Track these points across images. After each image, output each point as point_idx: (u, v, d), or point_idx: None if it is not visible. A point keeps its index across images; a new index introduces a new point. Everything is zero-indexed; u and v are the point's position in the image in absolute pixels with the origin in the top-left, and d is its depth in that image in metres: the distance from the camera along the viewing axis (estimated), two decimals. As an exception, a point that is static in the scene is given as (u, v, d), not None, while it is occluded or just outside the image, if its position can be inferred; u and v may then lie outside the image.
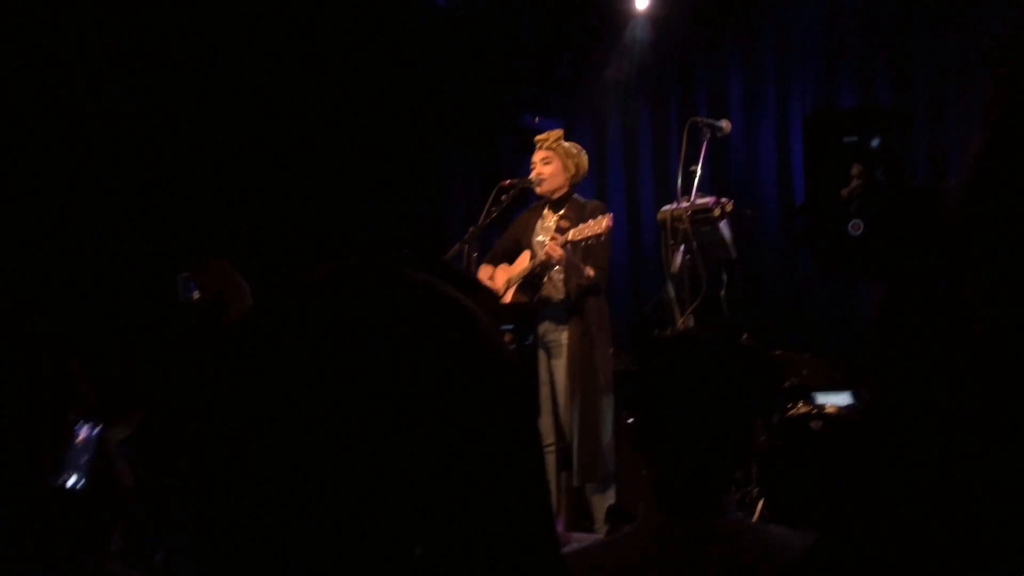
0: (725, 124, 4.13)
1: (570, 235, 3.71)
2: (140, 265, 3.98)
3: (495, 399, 0.59)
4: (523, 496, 0.59)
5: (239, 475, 0.55)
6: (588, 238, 3.65)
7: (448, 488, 0.54)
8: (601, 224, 3.62)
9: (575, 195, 4.04)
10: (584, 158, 4.03)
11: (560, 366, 3.89)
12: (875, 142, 0.90)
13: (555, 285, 3.92)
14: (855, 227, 0.88)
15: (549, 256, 3.73)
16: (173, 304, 2.08)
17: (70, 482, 1.37)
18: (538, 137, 4.06)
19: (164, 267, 2.32)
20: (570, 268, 3.78)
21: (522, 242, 4.11)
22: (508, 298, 4.01)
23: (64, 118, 4.07)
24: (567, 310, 3.88)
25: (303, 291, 0.61)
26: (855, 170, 0.90)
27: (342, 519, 0.53)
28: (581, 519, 3.95)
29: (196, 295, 2.02)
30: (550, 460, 3.94)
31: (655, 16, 5.60)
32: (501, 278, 4.11)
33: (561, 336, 3.89)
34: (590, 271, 3.77)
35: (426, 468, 0.54)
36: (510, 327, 3.63)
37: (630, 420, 3.98)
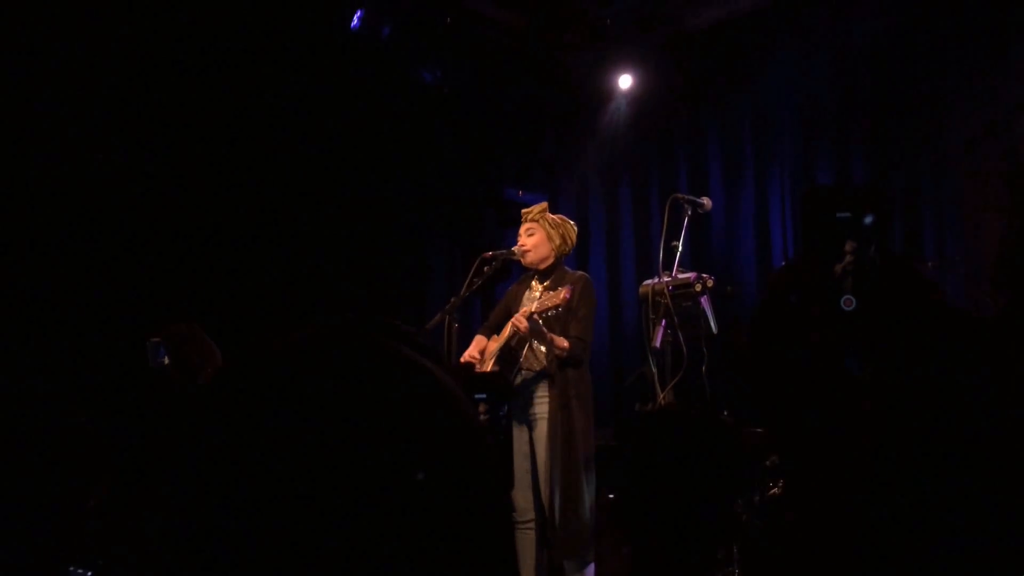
0: (706, 201, 4.18)
1: (534, 307, 3.72)
2: (110, 330, 3.91)
3: (465, 467, 0.57)
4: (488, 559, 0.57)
5: (203, 536, 0.53)
6: (548, 309, 3.67)
7: (410, 550, 0.53)
8: (559, 295, 3.65)
9: (563, 266, 4.05)
10: (571, 229, 4.06)
11: (539, 439, 3.84)
12: (869, 219, 0.90)
13: (536, 356, 3.90)
14: (847, 303, 0.87)
15: (516, 328, 3.73)
16: (143, 369, 2.03)
17: None
18: (524, 210, 4.09)
19: (134, 332, 2.27)
20: (540, 340, 3.77)
21: (511, 313, 4.11)
22: (488, 368, 3.98)
23: (32, 183, 4.05)
24: (548, 381, 3.85)
25: (273, 354, 0.60)
26: (849, 246, 0.89)
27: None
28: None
29: (166, 360, 1.97)
30: (529, 536, 3.85)
31: (637, 95, 5.74)
32: (493, 349, 4.09)
33: (543, 408, 3.85)
34: (563, 342, 3.75)
35: (390, 534, 0.52)
36: (483, 396, 3.58)
37: (611, 496, 3.90)
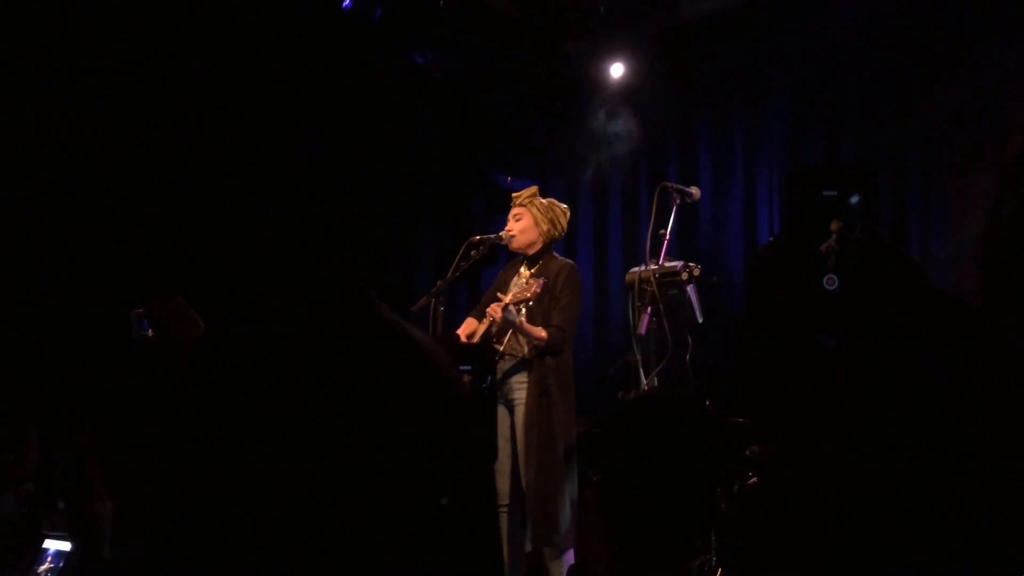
0: (695, 191, 4.19)
1: (507, 298, 3.73)
2: (93, 301, 3.88)
3: (451, 437, 0.57)
4: (470, 527, 0.57)
5: (188, 503, 0.52)
6: (520, 302, 3.71)
7: (399, 518, 0.52)
8: (530, 288, 3.68)
9: (552, 252, 4.05)
10: (560, 213, 4.04)
11: (520, 424, 3.85)
12: (855, 199, 0.91)
13: (519, 342, 3.91)
14: (830, 282, 0.87)
15: (491, 317, 3.75)
16: (126, 341, 2.02)
17: None
18: (514, 194, 4.09)
19: (118, 303, 2.26)
20: (516, 330, 3.78)
21: (500, 298, 4.12)
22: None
23: (14, 157, 4.01)
24: (526, 369, 3.86)
25: (262, 318, 0.58)
26: (834, 225, 0.90)
27: (289, 553, 0.50)
28: (539, 583, 3.86)
29: (150, 332, 1.96)
30: (505, 520, 3.86)
31: (629, 84, 5.73)
32: (479, 332, 4.11)
33: (521, 395, 3.86)
34: (540, 332, 3.76)
35: (374, 504, 0.52)
36: (468, 368, 3.58)
37: (595, 479, 3.91)
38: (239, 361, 0.57)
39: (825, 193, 0.97)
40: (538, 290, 3.68)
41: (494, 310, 3.72)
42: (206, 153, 4.66)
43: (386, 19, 5.14)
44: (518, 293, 3.74)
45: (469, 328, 4.12)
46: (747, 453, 3.55)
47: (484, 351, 3.79)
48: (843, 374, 0.91)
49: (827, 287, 0.93)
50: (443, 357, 0.63)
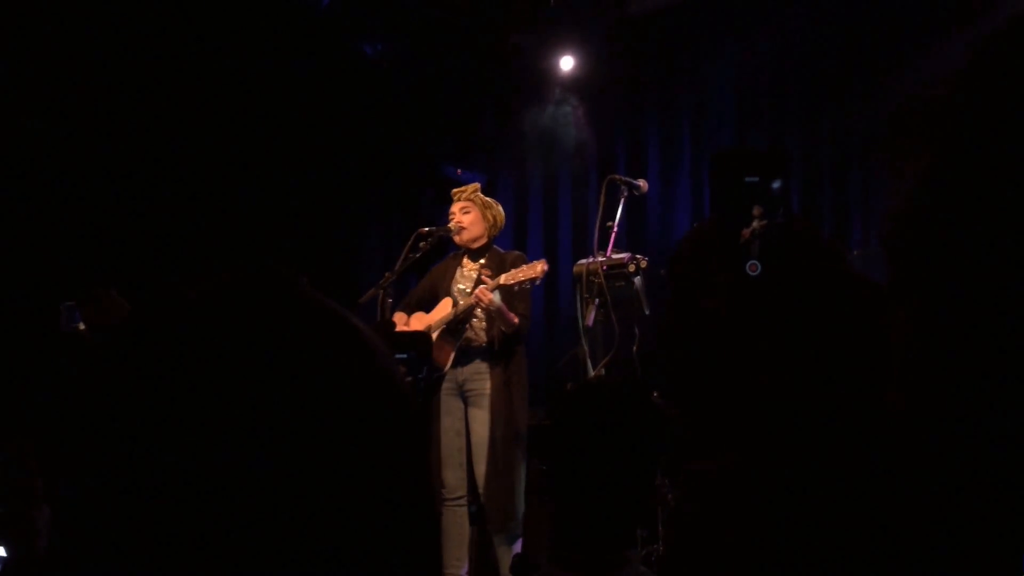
0: (643, 184, 4.21)
1: (502, 279, 3.70)
2: (22, 293, 3.77)
3: (386, 427, 0.55)
4: (406, 523, 0.55)
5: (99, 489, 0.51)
6: (522, 282, 3.65)
7: (324, 513, 0.50)
8: (536, 268, 3.64)
9: (494, 246, 4.06)
10: (500, 211, 4.09)
11: (479, 416, 3.84)
12: (776, 183, 0.91)
13: (476, 332, 3.90)
14: (752, 268, 0.88)
15: (479, 300, 3.71)
16: (55, 333, 1.97)
17: None
18: (455, 190, 4.09)
19: (47, 296, 2.19)
20: (497, 314, 3.76)
21: (439, 291, 4.09)
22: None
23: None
24: (490, 358, 3.85)
25: (184, 301, 0.57)
26: (756, 210, 0.90)
27: (217, 543, 0.49)
28: (487, 571, 3.87)
29: (81, 325, 1.91)
30: (461, 513, 3.86)
31: (578, 77, 5.75)
32: (416, 325, 4.07)
33: (483, 385, 3.85)
34: (515, 318, 3.77)
35: (303, 497, 0.50)
36: (404, 356, 3.55)
37: (542, 468, 3.93)
38: (154, 346, 0.55)
39: (747, 179, 0.98)
40: (545, 267, 3.61)
41: (483, 294, 3.67)
42: (141, 141, 4.56)
43: (334, 8, 5.08)
44: (517, 274, 3.66)
45: (401, 322, 4.09)
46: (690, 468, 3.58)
47: (420, 340, 3.77)
48: (766, 373, 0.92)
49: (750, 273, 0.94)
50: (378, 342, 0.61)
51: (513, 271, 3.69)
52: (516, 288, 3.68)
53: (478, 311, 3.83)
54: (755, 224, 0.94)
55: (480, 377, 3.87)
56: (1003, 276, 0.55)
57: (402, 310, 4.16)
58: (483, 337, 3.88)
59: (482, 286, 3.72)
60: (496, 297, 3.69)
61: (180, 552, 0.50)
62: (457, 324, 3.92)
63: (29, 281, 3.87)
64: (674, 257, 1.00)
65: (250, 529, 0.50)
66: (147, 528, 0.50)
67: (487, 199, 4.07)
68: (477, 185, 4.12)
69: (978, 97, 0.60)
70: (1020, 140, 0.57)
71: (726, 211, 0.98)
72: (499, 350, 3.82)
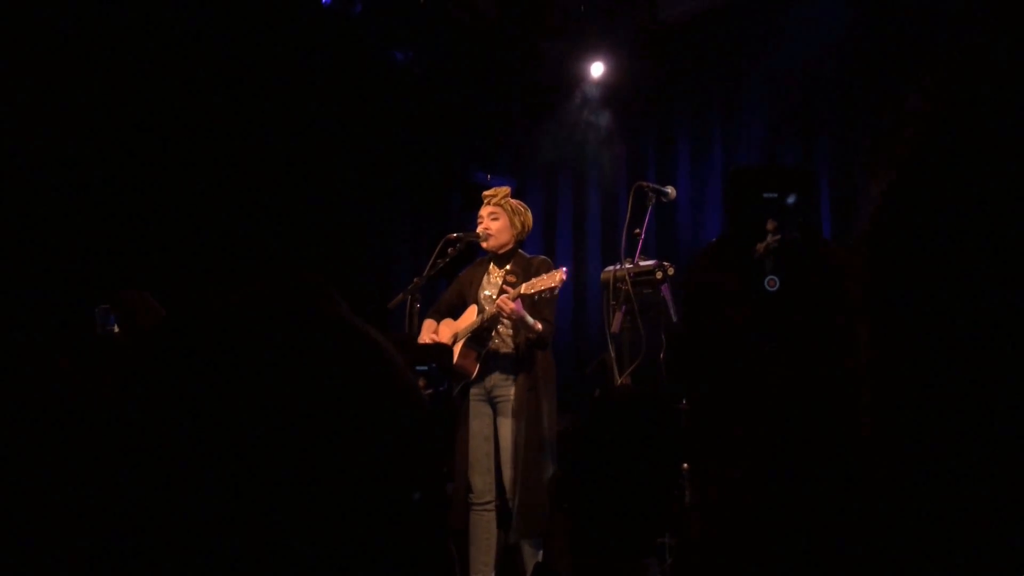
0: (671, 190, 4.20)
1: (523, 288, 3.70)
2: (59, 297, 3.85)
3: (402, 438, 0.56)
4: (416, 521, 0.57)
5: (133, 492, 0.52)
6: (542, 291, 3.64)
7: (339, 520, 0.52)
8: (555, 277, 3.62)
9: (520, 251, 4.06)
10: (529, 216, 4.08)
11: (506, 423, 3.84)
12: (791, 199, 0.92)
13: (503, 339, 3.91)
14: (771, 283, 0.88)
15: (500, 309, 3.71)
16: (90, 336, 2.01)
17: None
18: (485, 193, 4.09)
19: (83, 299, 2.25)
20: (520, 322, 3.76)
21: (467, 297, 4.10)
22: (456, 349, 3.99)
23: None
24: (515, 364, 3.86)
25: (214, 311, 0.58)
26: (770, 225, 0.91)
27: (233, 544, 0.50)
28: (512, 576, 3.87)
29: (115, 327, 1.95)
30: (488, 517, 3.87)
31: (608, 83, 5.75)
32: (445, 332, 4.08)
33: (509, 391, 3.85)
34: (539, 325, 3.76)
35: (319, 505, 0.51)
36: (424, 368, 3.57)
37: (559, 475, 3.93)
38: (187, 352, 0.57)
39: (765, 195, 0.98)
40: (563, 277, 3.60)
41: (505, 302, 3.67)
42: (176, 148, 4.63)
43: (365, 16, 5.13)
44: (535, 282, 3.67)
45: (429, 329, 4.10)
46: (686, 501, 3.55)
47: (440, 352, 3.78)
48: (779, 385, 0.92)
49: (768, 288, 0.95)
50: (396, 356, 0.62)
51: (533, 280, 3.69)
52: (536, 297, 3.68)
53: (503, 318, 3.84)
54: (769, 239, 0.94)
55: (506, 383, 3.87)
56: (954, 292, 0.55)
57: (431, 316, 4.18)
58: (509, 344, 3.88)
59: (504, 295, 3.73)
60: (518, 306, 3.69)
61: (204, 543, 0.52)
62: (483, 332, 3.92)
63: (65, 285, 3.95)
64: (689, 270, 1.01)
65: (272, 530, 0.51)
66: (175, 524, 0.52)
67: (517, 204, 4.06)
68: (507, 189, 4.11)
69: (937, 115, 0.61)
70: (978, 157, 0.57)
71: (740, 226, 0.99)
72: (524, 356, 3.82)
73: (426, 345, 3.88)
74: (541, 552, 3.79)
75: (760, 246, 0.93)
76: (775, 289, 0.96)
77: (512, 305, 3.67)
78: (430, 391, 3.54)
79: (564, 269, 3.66)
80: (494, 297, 3.89)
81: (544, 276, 3.67)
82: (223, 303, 0.61)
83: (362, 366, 0.58)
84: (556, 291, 3.63)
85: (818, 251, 0.96)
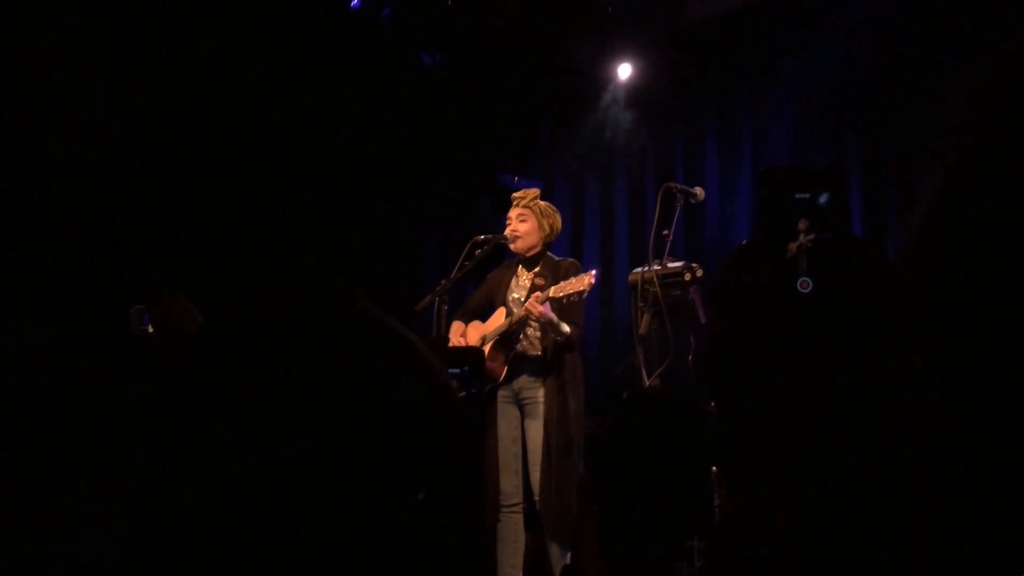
0: (699, 191, 4.17)
1: (551, 292, 3.70)
2: (94, 297, 3.91)
3: (440, 439, 0.57)
4: (454, 518, 0.57)
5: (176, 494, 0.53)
6: (571, 294, 3.64)
7: (379, 519, 0.52)
8: (584, 281, 3.62)
9: (549, 253, 4.06)
10: (558, 218, 4.08)
11: (534, 425, 3.85)
12: (823, 199, 0.91)
13: (531, 342, 3.91)
14: (804, 285, 0.88)
15: (528, 312, 3.72)
16: (126, 336, 2.05)
17: None
18: (515, 195, 4.10)
19: (118, 299, 2.28)
20: (548, 325, 3.77)
21: (495, 299, 4.11)
22: (486, 351, 4.00)
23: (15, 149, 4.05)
24: (543, 367, 3.86)
25: (254, 314, 0.59)
26: (802, 225, 0.90)
27: (280, 540, 0.51)
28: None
29: (150, 327, 1.98)
30: (516, 520, 3.87)
31: (636, 84, 5.73)
32: (473, 335, 4.09)
33: (537, 393, 3.86)
34: (566, 328, 3.76)
35: (360, 502, 0.52)
36: (456, 371, 3.57)
37: (588, 475, 3.92)
38: (231, 356, 0.58)
39: (797, 196, 0.97)
40: (592, 280, 3.60)
41: (533, 306, 3.68)
42: (211, 151, 4.69)
43: (394, 18, 5.16)
44: (564, 285, 3.67)
45: (458, 331, 4.11)
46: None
47: (473, 354, 3.79)
48: (818, 385, 0.92)
49: (801, 290, 0.94)
50: (432, 356, 0.63)
51: (562, 284, 3.69)
52: (564, 301, 3.68)
53: (531, 321, 3.84)
54: (801, 239, 0.93)
55: (534, 386, 3.88)
56: (1007, 287, 0.55)
57: (460, 318, 4.19)
58: (537, 347, 3.89)
59: (531, 299, 3.73)
60: (548, 308, 3.70)
61: (243, 537, 0.53)
62: (510, 334, 3.93)
63: (101, 286, 4.02)
64: (720, 271, 1.00)
65: (312, 526, 0.52)
66: (218, 517, 0.53)
67: (546, 206, 4.06)
68: (536, 191, 4.11)
69: (988, 118, 0.60)
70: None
71: (772, 226, 0.98)
72: (552, 359, 3.83)
73: (458, 348, 3.90)
74: (569, 554, 3.78)
75: (792, 246, 0.92)
76: (808, 291, 0.95)
77: (540, 308, 3.67)
78: (463, 393, 3.55)
79: (594, 272, 3.66)
80: (522, 300, 3.90)
81: (573, 279, 3.66)
82: (262, 308, 0.62)
83: (400, 365, 0.59)
84: (584, 295, 3.63)
85: (851, 251, 0.95)
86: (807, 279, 0.96)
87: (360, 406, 0.56)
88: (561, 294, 3.65)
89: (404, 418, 0.58)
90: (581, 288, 3.61)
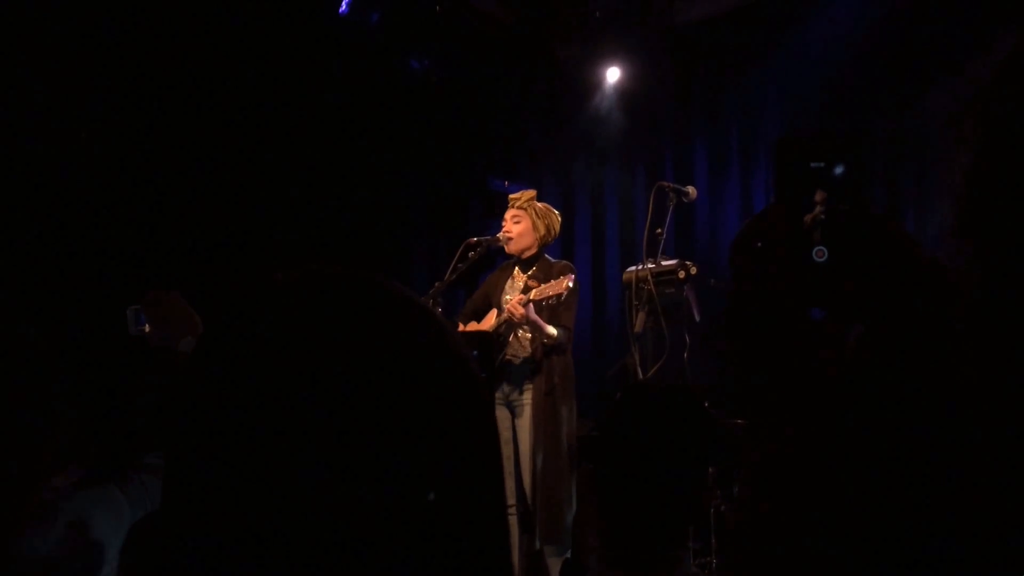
0: (691, 190, 4.18)
1: (532, 294, 3.71)
2: (90, 297, 3.88)
3: (464, 415, 0.56)
4: (480, 500, 0.56)
5: (205, 483, 0.51)
6: (549, 297, 3.65)
7: (404, 499, 0.51)
8: (562, 284, 3.62)
9: (545, 255, 4.06)
10: (556, 219, 4.07)
11: (523, 426, 3.84)
12: (839, 169, 0.90)
13: (521, 344, 3.90)
14: (819, 254, 0.87)
15: (511, 314, 3.72)
16: (123, 336, 2.02)
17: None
18: (512, 196, 4.09)
19: (114, 299, 2.26)
20: (533, 327, 3.76)
21: (492, 300, 4.10)
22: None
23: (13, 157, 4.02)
24: (532, 369, 3.85)
25: (275, 291, 0.58)
26: (819, 196, 0.89)
27: (307, 521, 0.49)
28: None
29: (146, 327, 1.96)
30: (511, 522, 3.85)
31: (624, 88, 5.75)
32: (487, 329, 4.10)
33: (525, 395, 3.85)
34: (553, 331, 3.76)
35: (391, 465, 0.51)
36: (474, 353, 3.55)
37: (590, 467, 3.91)
38: (261, 322, 0.55)
39: (813, 165, 0.97)
40: (570, 284, 3.61)
41: (515, 307, 3.68)
42: (203, 153, 4.67)
43: (382, 24, 5.16)
44: (545, 289, 3.67)
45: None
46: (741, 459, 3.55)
47: (484, 338, 3.78)
48: (832, 354, 0.91)
49: (816, 259, 0.94)
50: (450, 326, 0.62)
51: (543, 286, 3.70)
52: (544, 303, 3.69)
53: (514, 321, 3.84)
54: (817, 210, 0.93)
55: (523, 388, 3.87)
56: None
57: (459, 319, 4.20)
58: (527, 349, 3.88)
59: (513, 300, 3.74)
60: (530, 311, 3.69)
61: (272, 524, 0.51)
62: (498, 336, 3.93)
63: (96, 286, 3.98)
64: (735, 243, 1.00)
65: (333, 526, 0.50)
66: (244, 510, 0.51)
67: (543, 207, 4.05)
68: (533, 193, 4.10)
69: (1014, 94, 0.60)
70: None
71: (789, 197, 0.98)
72: (541, 361, 3.82)
73: (468, 332, 3.88)
74: (567, 555, 3.77)
75: (808, 217, 0.92)
76: (823, 260, 0.95)
77: (521, 310, 3.67)
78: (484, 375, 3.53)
79: (572, 277, 3.66)
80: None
81: (553, 282, 3.67)
82: (278, 281, 0.60)
83: (420, 331, 0.57)
84: (564, 297, 3.63)
85: (866, 224, 0.95)
86: (822, 248, 0.96)
87: (385, 371, 0.54)
88: (540, 296, 3.67)
89: (426, 382, 0.56)
90: (560, 291, 3.61)
